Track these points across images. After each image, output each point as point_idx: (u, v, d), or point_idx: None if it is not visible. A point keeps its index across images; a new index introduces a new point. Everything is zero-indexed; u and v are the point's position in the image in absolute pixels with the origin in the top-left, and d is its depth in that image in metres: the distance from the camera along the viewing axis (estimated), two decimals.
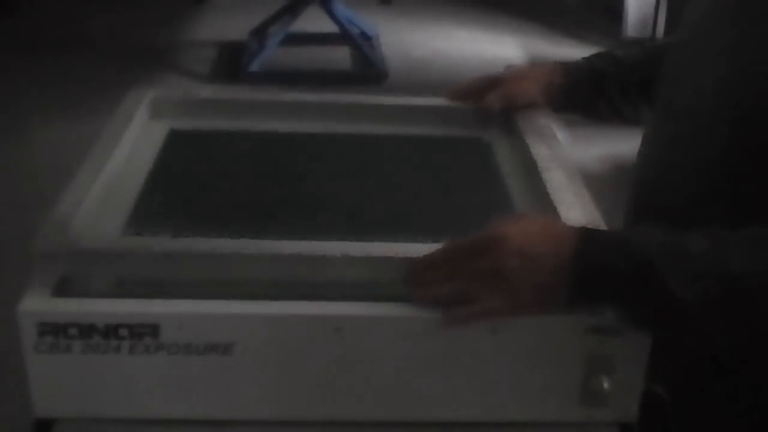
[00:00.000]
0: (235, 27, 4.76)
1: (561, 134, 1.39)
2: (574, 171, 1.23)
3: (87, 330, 0.95)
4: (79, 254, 0.98)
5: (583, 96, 1.39)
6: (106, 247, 1.01)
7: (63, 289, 0.97)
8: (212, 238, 1.02)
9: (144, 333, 0.95)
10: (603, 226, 1.08)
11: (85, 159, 1.17)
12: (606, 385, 0.99)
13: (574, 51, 4.66)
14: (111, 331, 0.95)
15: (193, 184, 1.22)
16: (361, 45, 4.48)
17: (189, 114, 1.38)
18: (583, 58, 1.41)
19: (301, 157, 1.30)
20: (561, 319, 0.97)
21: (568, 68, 1.40)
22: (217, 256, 0.99)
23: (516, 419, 1.01)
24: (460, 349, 0.98)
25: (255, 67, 4.26)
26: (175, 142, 1.30)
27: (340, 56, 4.54)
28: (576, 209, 1.10)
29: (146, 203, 1.14)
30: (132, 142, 1.27)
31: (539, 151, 1.25)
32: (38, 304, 0.95)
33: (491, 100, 1.37)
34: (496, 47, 4.71)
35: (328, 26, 4.49)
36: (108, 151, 1.19)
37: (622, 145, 3.59)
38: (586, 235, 0.95)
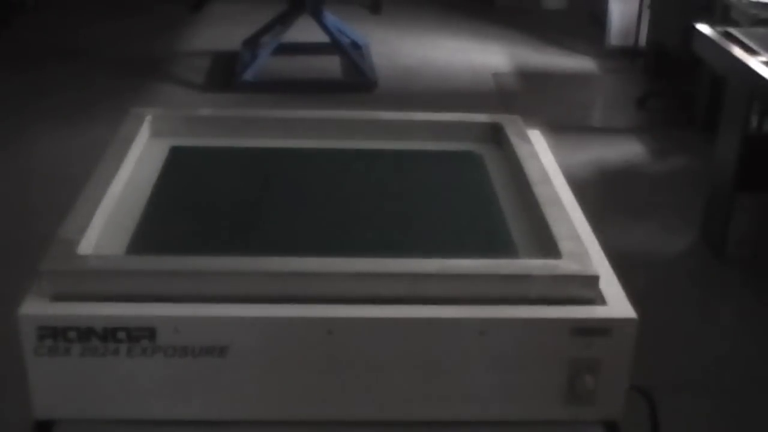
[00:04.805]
0: (228, 37, 4.78)
1: (548, 142, 1.42)
2: (563, 182, 1.26)
3: (85, 333, 0.97)
4: (86, 274, 1.01)
5: None
6: (112, 266, 1.04)
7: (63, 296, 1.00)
8: (214, 256, 1.05)
9: (141, 336, 0.97)
10: (593, 235, 1.11)
11: (91, 178, 1.20)
12: (591, 384, 1.01)
13: (559, 59, 4.70)
14: (109, 334, 0.97)
15: (195, 202, 1.24)
16: (352, 54, 4.51)
17: (189, 132, 1.41)
18: None
19: (297, 172, 1.33)
20: (547, 320, 1.00)
21: None
22: (220, 273, 1.01)
23: (503, 418, 1.04)
24: (449, 350, 1.00)
25: (248, 76, 4.28)
26: (176, 159, 1.33)
27: (331, 65, 4.57)
28: (566, 223, 1.13)
29: (150, 222, 1.16)
30: (134, 160, 1.30)
31: (530, 164, 1.27)
32: (38, 308, 0.98)
33: None
34: (484, 56, 4.74)
35: (319, 36, 4.52)
36: (112, 170, 1.22)
37: (606, 151, 3.62)
38: None
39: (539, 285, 1.02)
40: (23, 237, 2.68)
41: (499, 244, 1.14)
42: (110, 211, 1.16)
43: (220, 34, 5.00)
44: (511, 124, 1.41)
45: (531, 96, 4.22)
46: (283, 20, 4.55)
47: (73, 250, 1.03)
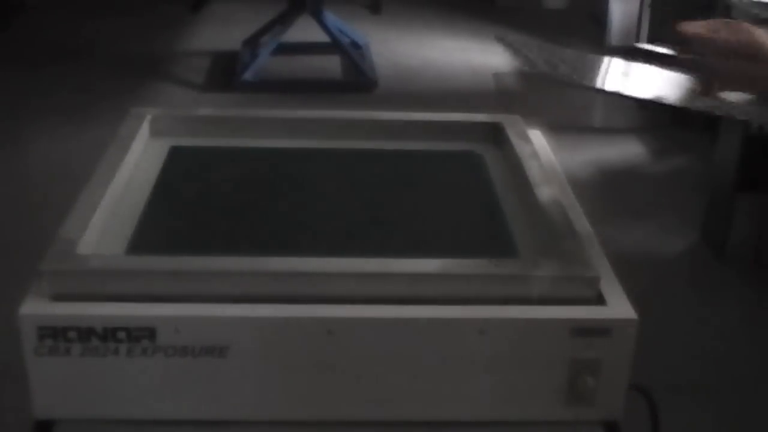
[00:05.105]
0: (228, 37, 4.78)
1: (549, 141, 1.42)
2: (563, 182, 1.26)
3: (86, 333, 0.97)
4: (86, 273, 1.01)
5: None
6: (112, 266, 1.04)
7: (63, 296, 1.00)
8: (214, 256, 1.05)
9: (141, 336, 0.98)
10: (593, 235, 1.12)
11: (90, 178, 1.20)
12: (592, 385, 1.01)
13: None
14: (109, 334, 0.97)
15: (194, 202, 1.24)
16: (352, 54, 4.50)
17: (189, 132, 1.41)
18: None
19: (298, 172, 1.33)
20: (547, 320, 1.00)
21: None
22: (220, 273, 1.01)
23: (503, 418, 1.04)
24: (449, 350, 1.00)
25: (248, 76, 4.28)
26: (176, 159, 1.33)
27: (331, 65, 4.56)
28: (566, 223, 1.12)
29: (150, 222, 1.16)
30: (134, 160, 1.30)
31: (530, 164, 1.27)
32: (38, 308, 0.98)
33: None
34: (484, 56, 4.74)
35: (319, 36, 4.52)
36: (112, 170, 1.22)
37: (607, 151, 3.62)
38: None
39: (539, 285, 1.02)
40: (23, 237, 2.68)
41: (499, 244, 1.14)
42: (110, 211, 1.16)
43: (220, 34, 4.99)
44: (511, 124, 1.41)
45: (531, 96, 4.22)
46: (283, 20, 4.55)
47: (73, 249, 1.03)
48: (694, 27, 1.08)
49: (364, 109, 1.54)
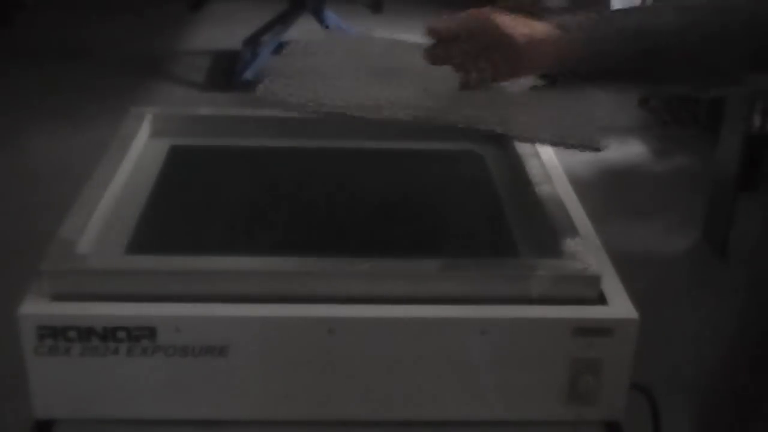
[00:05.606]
0: (228, 36, 4.78)
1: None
2: (564, 181, 1.26)
3: (86, 333, 0.97)
4: (86, 273, 1.01)
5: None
6: (112, 266, 1.04)
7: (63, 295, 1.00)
8: (214, 256, 1.05)
9: (141, 335, 0.97)
10: (594, 235, 1.12)
11: (90, 178, 1.20)
12: (593, 384, 1.01)
13: None
14: (109, 333, 0.97)
15: (195, 202, 1.24)
16: None
17: (189, 131, 1.40)
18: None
19: (298, 172, 1.33)
20: (548, 320, 1.00)
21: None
22: (220, 273, 1.01)
23: (504, 418, 1.03)
24: (450, 350, 1.00)
25: (248, 75, 4.28)
26: (176, 159, 1.33)
27: None
28: (567, 223, 1.12)
29: (150, 221, 1.16)
30: (134, 160, 1.30)
31: (531, 163, 1.27)
32: (38, 307, 0.98)
33: None
34: None
35: (319, 35, 4.52)
36: (111, 170, 1.22)
37: (608, 150, 3.63)
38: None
39: (540, 285, 1.02)
40: (23, 236, 2.68)
41: (500, 244, 1.14)
42: (110, 211, 1.16)
43: (220, 33, 4.99)
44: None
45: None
46: (284, 19, 4.55)
47: (73, 249, 1.03)
48: (441, 22, 1.06)
49: None
